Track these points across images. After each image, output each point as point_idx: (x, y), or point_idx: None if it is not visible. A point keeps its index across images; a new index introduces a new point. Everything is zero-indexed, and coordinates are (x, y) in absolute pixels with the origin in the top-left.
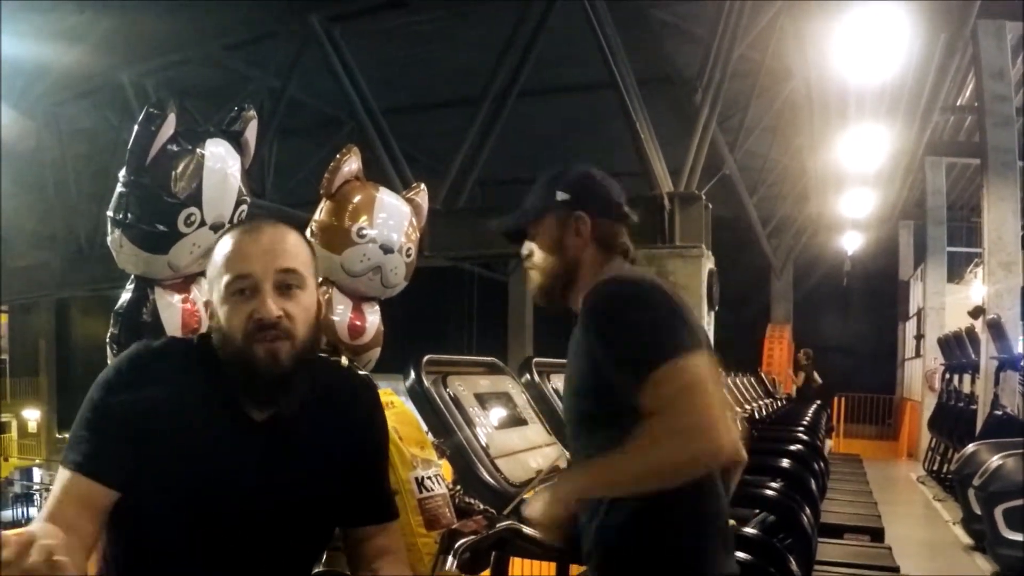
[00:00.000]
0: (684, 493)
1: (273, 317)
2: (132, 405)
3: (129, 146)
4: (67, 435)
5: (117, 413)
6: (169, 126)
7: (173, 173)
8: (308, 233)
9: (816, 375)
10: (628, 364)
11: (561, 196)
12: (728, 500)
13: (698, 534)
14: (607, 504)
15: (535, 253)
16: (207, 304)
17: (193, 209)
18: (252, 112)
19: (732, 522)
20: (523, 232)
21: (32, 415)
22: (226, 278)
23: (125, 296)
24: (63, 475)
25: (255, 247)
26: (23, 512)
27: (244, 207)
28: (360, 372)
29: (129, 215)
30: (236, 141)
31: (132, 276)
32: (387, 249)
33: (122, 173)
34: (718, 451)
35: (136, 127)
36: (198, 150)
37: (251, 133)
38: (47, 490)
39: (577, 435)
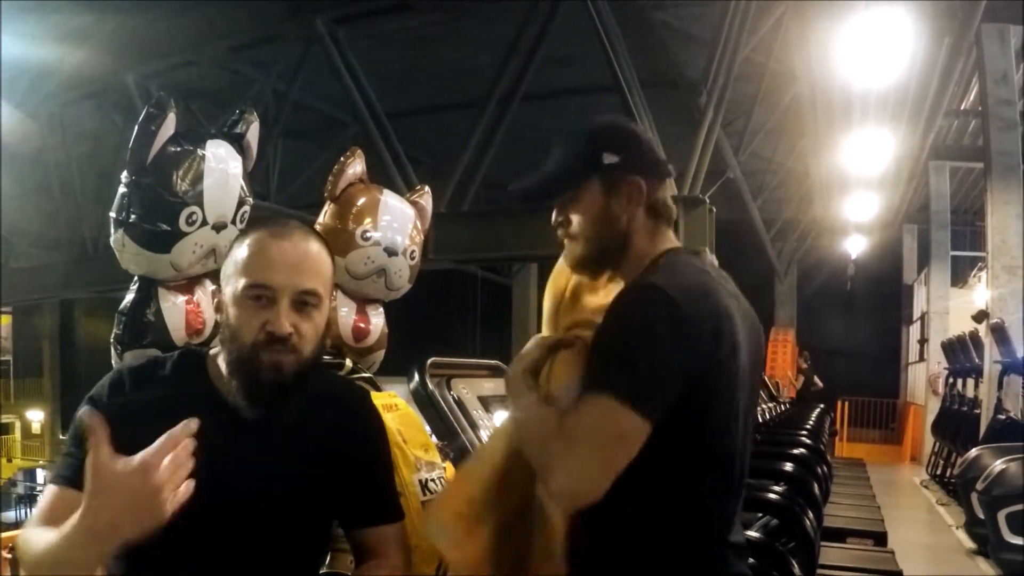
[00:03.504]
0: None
1: (284, 333)
2: (119, 416)
3: (130, 145)
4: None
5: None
6: (169, 125)
7: (174, 173)
8: None
9: (816, 378)
10: (586, 373)
11: (609, 159)
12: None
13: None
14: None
15: (574, 221)
16: (216, 294)
17: (195, 208)
18: (253, 114)
19: None
20: (545, 196)
21: (36, 416)
22: (244, 281)
23: (129, 297)
24: (51, 490)
25: (281, 257)
26: (26, 513)
27: (246, 208)
28: (357, 377)
29: (131, 215)
30: (238, 143)
31: (136, 277)
32: (391, 252)
33: (124, 173)
34: (569, 502)
35: (136, 127)
36: (199, 150)
37: (253, 135)
38: None
39: None
